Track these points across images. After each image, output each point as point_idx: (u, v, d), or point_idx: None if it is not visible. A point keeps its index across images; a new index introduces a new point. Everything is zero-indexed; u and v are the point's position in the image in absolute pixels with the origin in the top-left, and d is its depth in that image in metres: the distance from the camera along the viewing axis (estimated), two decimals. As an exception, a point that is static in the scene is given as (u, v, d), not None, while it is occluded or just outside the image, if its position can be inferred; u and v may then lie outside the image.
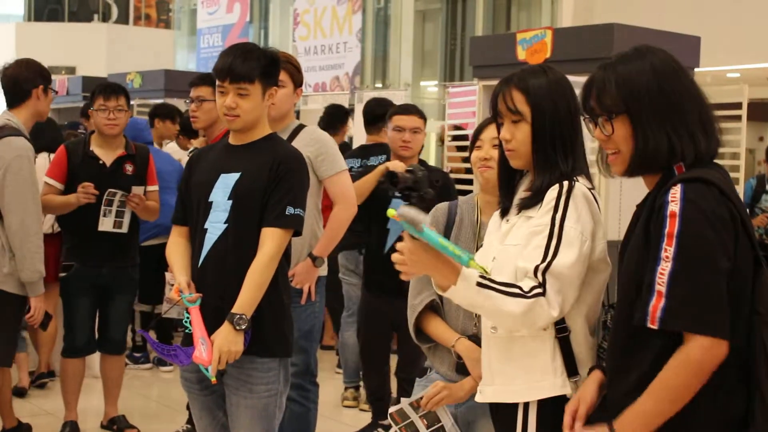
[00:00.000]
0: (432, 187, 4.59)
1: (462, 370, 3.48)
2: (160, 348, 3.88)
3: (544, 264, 2.70)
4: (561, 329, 2.78)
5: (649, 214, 2.41)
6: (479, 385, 2.99)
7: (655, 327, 2.30)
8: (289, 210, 3.77)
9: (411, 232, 2.63)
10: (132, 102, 7.22)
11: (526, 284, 2.67)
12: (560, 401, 2.78)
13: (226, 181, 3.81)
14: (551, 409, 2.80)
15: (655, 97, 2.46)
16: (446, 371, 3.56)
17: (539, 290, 2.66)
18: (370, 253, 5.89)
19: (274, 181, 3.78)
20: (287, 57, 5.01)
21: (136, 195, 5.82)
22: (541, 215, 2.79)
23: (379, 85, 19.39)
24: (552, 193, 2.80)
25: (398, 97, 10.56)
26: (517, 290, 2.65)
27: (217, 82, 3.82)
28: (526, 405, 2.84)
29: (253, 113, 3.82)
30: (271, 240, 3.74)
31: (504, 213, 2.98)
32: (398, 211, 2.61)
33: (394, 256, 2.69)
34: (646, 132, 2.46)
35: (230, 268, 3.75)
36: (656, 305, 2.29)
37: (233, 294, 3.69)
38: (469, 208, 3.63)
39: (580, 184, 2.82)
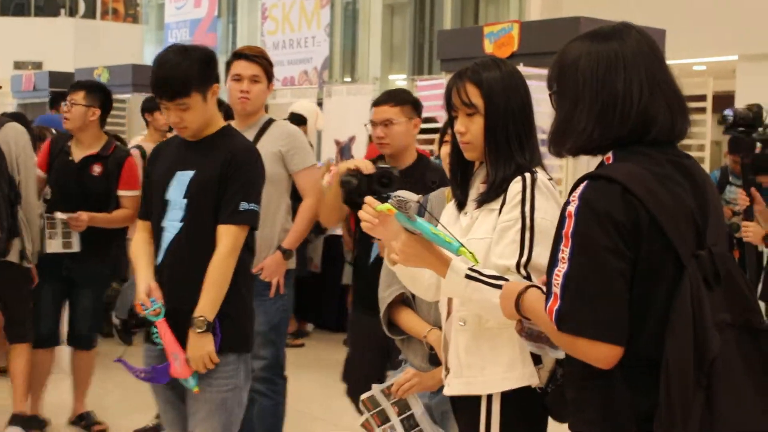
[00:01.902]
0: (428, 189, 4.19)
1: (434, 360, 3.49)
2: (137, 372, 3.85)
3: (524, 258, 2.74)
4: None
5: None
6: (446, 378, 3.00)
7: (555, 327, 2.26)
8: (243, 206, 3.75)
9: (404, 224, 2.68)
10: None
11: (512, 279, 2.69)
12: (524, 393, 2.81)
13: (182, 179, 3.79)
14: (515, 400, 2.83)
15: (562, 85, 2.42)
16: (420, 363, 3.58)
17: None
18: (356, 264, 4.98)
19: (227, 177, 3.75)
20: (261, 52, 5.01)
21: (72, 218, 5.70)
22: (509, 210, 2.81)
23: (348, 79, 19.35)
24: (516, 186, 2.82)
25: (367, 92, 10.57)
26: (504, 282, 2.66)
27: (157, 99, 3.79)
28: (489, 396, 2.85)
29: (200, 120, 3.79)
30: (226, 237, 3.72)
31: (460, 206, 3.00)
32: (391, 199, 2.67)
33: (363, 225, 2.78)
34: (559, 113, 2.44)
35: (187, 268, 3.74)
36: (552, 307, 2.25)
37: (190, 293, 3.68)
38: (440, 202, 3.64)
39: (541, 175, 2.86)
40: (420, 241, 2.70)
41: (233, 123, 4.42)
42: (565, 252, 2.25)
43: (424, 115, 8.62)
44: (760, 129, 5.21)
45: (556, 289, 2.25)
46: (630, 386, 2.26)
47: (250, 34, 20.16)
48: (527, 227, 2.77)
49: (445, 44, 8.82)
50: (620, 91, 2.33)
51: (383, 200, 4.27)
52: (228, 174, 3.75)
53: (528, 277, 2.71)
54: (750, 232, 5.36)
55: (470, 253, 2.65)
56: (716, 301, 2.23)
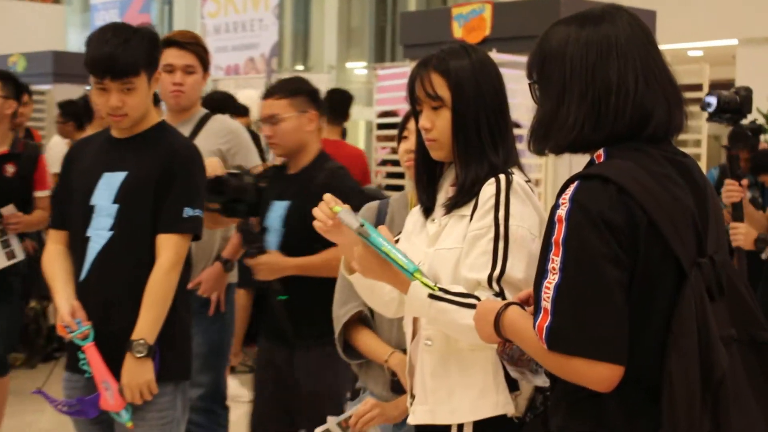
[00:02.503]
0: (312, 196, 3.99)
1: (397, 388, 3.48)
2: (60, 404, 3.76)
3: (497, 272, 2.71)
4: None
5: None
6: (411, 405, 2.96)
7: (545, 347, 2.24)
8: (187, 212, 3.71)
9: (359, 237, 2.68)
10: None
11: (483, 295, 2.68)
12: (499, 423, 2.78)
13: (111, 182, 3.73)
14: (488, 430, 2.80)
15: (545, 74, 2.41)
16: (381, 391, 3.57)
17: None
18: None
19: (167, 179, 3.70)
20: (194, 38, 4.98)
21: (10, 216, 5.67)
22: (481, 216, 2.78)
23: (300, 67, 19.36)
24: (489, 189, 2.79)
25: (321, 82, 10.53)
26: (473, 300, 2.65)
27: (94, 79, 3.70)
28: (460, 427, 2.82)
29: (141, 108, 3.74)
30: (167, 249, 3.68)
31: (427, 212, 2.98)
32: (338, 216, 2.69)
33: (316, 224, 2.80)
34: (541, 106, 2.44)
35: (118, 283, 3.69)
36: (542, 324, 2.24)
37: (122, 313, 3.64)
38: (401, 207, 3.63)
39: (517, 177, 2.83)
40: (377, 255, 2.70)
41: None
42: (555, 261, 2.24)
43: (385, 108, 8.70)
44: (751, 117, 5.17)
45: (546, 304, 2.23)
46: (626, 409, 2.26)
47: (189, 16, 20.11)
48: (501, 236, 2.74)
49: (408, 28, 8.82)
50: (614, 81, 2.33)
51: (228, 211, 4.20)
52: (169, 175, 3.71)
53: (501, 293, 2.69)
54: (740, 234, 5.24)
55: (424, 282, 2.66)
56: (720, 314, 2.24)
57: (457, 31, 7.97)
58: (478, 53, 2.94)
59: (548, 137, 2.41)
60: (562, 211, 2.25)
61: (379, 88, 8.77)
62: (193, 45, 4.87)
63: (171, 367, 3.73)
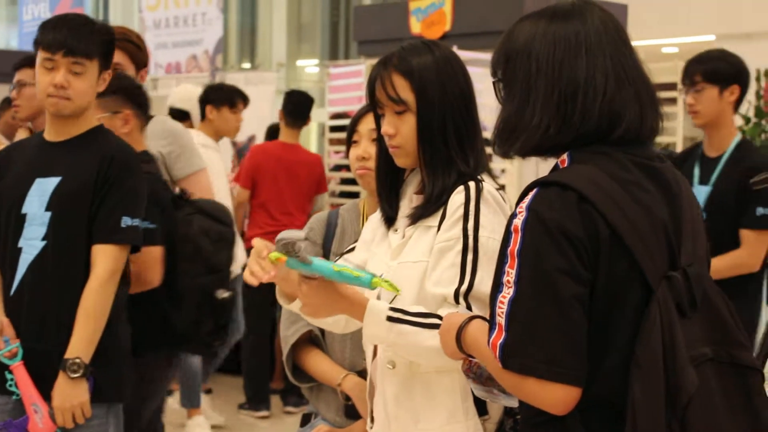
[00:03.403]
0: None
1: (352, 413, 3.46)
2: None
3: (465, 286, 2.70)
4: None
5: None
6: (371, 430, 2.95)
7: (500, 365, 2.25)
8: (126, 221, 3.71)
9: (301, 270, 2.65)
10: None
11: (447, 312, 2.65)
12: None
13: (43, 188, 3.72)
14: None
15: (510, 72, 2.42)
16: (334, 416, 3.54)
17: None
18: None
19: (105, 186, 3.70)
20: (125, 33, 4.92)
21: None
22: (449, 226, 2.78)
23: (247, 65, 19.30)
24: (458, 198, 2.78)
25: (269, 80, 10.50)
26: (435, 320, 2.64)
27: (44, 55, 3.71)
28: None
29: (86, 98, 3.76)
30: (103, 260, 3.67)
31: (390, 221, 2.96)
32: (277, 237, 2.66)
33: (248, 278, 2.70)
34: (506, 106, 2.45)
35: (51, 297, 3.68)
36: (495, 340, 2.24)
37: (56, 330, 3.63)
38: (353, 217, 3.60)
39: (488, 185, 2.82)
40: (323, 286, 2.68)
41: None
42: (510, 274, 2.25)
43: (338, 109, 8.68)
44: None
45: (501, 319, 2.24)
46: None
47: (125, 10, 20.02)
48: (470, 248, 2.74)
49: (363, 23, 8.84)
50: (581, 80, 2.34)
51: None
52: (105, 181, 3.71)
53: (469, 309, 2.67)
54: None
55: (386, 282, 2.64)
56: (693, 332, 2.24)
57: (415, 26, 7.99)
58: (441, 50, 2.92)
59: (513, 139, 2.42)
60: (518, 221, 2.26)
61: (332, 87, 8.73)
62: (121, 41, 4.80)
63: (103, 387, 3.72)
